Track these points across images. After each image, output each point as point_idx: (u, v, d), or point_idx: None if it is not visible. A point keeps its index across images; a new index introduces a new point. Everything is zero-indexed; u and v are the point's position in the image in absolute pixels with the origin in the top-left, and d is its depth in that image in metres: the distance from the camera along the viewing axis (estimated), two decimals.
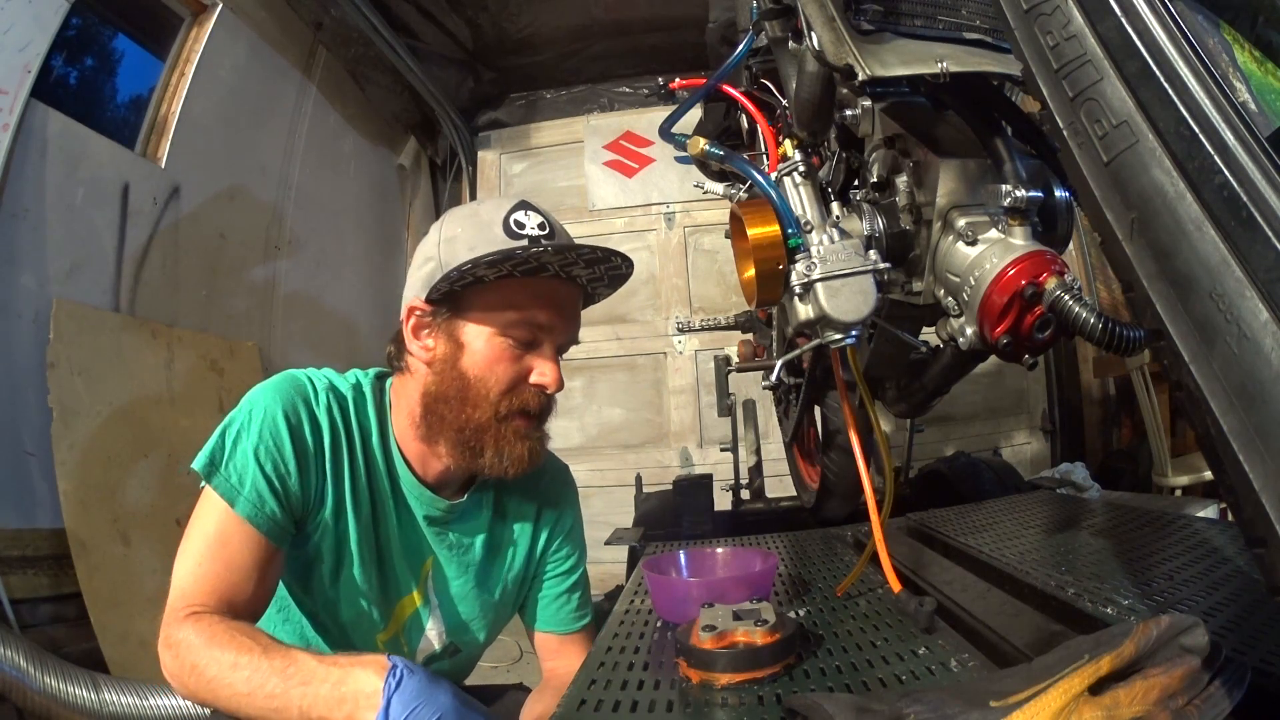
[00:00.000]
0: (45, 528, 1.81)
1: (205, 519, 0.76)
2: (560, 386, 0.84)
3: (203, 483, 0.78)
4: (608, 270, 0.85)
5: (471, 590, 0.92)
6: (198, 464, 0.77)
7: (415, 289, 0.84)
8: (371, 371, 0.92)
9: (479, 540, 0.93)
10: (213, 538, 0.75)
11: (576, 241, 0.84)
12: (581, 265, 0.82)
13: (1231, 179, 0.41)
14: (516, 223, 0.82)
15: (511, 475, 0.84)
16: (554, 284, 0.83)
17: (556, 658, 0.97)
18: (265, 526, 0.76)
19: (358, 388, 0.88)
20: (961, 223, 0.76)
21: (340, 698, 0.64)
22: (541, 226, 0.83)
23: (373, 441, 0.86)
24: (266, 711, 0.65)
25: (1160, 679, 0.46)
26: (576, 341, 0.89)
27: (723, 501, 2.38)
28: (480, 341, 0.82)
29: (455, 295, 0.82)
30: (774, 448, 2.35)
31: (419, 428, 0.85)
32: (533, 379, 0.83)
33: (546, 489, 0.99)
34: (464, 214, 0.86)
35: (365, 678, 0.64)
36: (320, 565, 0.83)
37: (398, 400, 0.88)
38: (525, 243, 0.80)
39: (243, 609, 0.74)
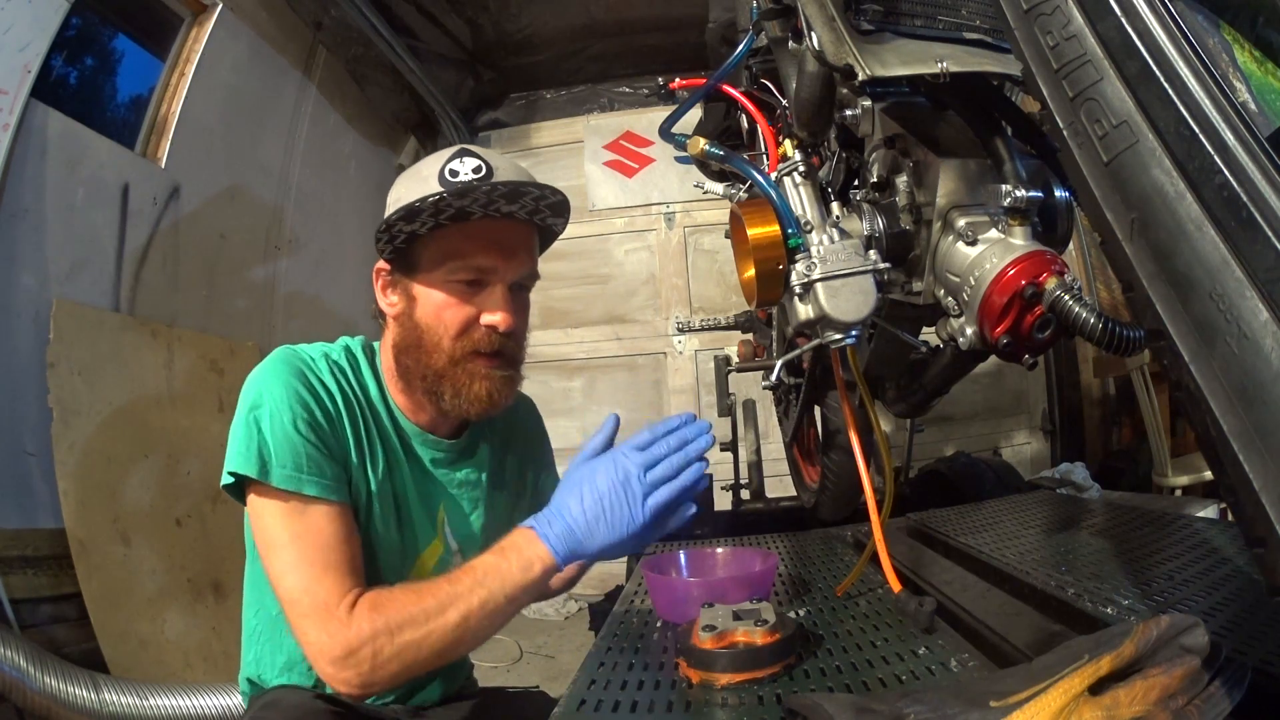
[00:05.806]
0: (45, 528, 1.81)
1: (280, 522, 0.77)
2: (511, 325, 0.85)
3: (246, 482, 0.77)
4: (539, 201, 0.84)
5: (484, 524, 0.96)
6: (242, 467, 0.76)
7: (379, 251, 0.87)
8: (359, 338, 0.94)
9: (484, 476, 0.97)
10: (300, 535, 0.76)
11: (507, 180, 0.83)
12: (504, 202, 0.82)
13: (1231, 179, 0.41)
14: (451, 171, 0.83)
15: (474, 415, 0.87)
16: (488, 224, 0.84)
17: None
18: (335, 494, 0.79)
19: (349, 351, 0.91)
20: (961, 223, 0.76)
21: (524, 563, 0.73)
22: (477, 170, 0.83)
23: (373, 398, 0.89)
24: (482, 621, 0.72)
25: (1160, 679, 0.46)
26: (536, 276, 0.90)
27: (723, 501, 2.38)
28: (429, 292, 0.85)
29: (404, 252, 0.86)
30: (774, 448, 2.35)
31: (398, 380, 0.89)
32: (483, 320, 0.84)
33: (523, 421, 1.05)
34: (409, 173, 0.88)
35: (523, 540, 0.74)
36: None
37: (384, 357, 0.91)
38: (435, 193, 0.80)
39: (362, 575, 0.77)
